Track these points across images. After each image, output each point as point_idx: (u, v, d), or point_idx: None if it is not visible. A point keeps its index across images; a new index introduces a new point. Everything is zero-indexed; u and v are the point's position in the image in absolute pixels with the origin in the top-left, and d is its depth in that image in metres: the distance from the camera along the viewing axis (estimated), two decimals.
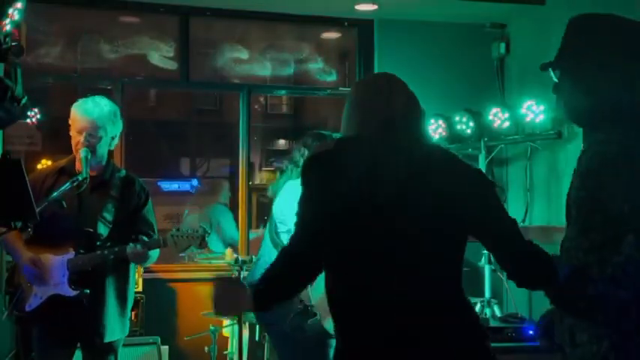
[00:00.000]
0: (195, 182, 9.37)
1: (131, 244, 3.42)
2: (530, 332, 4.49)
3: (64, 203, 3.28)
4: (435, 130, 5.79)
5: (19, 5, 2.78)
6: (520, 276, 2.12)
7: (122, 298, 3.56)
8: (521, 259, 2.11)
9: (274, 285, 2.18)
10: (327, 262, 2.14)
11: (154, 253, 3.55)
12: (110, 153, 3.67)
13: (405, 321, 2.04)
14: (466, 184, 2.11)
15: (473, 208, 2.09)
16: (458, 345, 2.07)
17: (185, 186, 9.23)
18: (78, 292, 3.42)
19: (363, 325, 2.08)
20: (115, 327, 3.52)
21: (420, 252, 2.06)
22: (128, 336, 3.73)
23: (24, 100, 2.68)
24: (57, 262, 3.44)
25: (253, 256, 4.52)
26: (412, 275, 2.06)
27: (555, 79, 2.20)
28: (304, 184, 2.13)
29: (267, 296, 2.23)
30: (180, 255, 5.33)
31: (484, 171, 5.55)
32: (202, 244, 3.49)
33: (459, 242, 2.14)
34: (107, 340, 3.48)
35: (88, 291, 3.43)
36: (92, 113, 3.49)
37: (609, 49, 2.09)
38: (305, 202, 2.12)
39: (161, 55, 5.97)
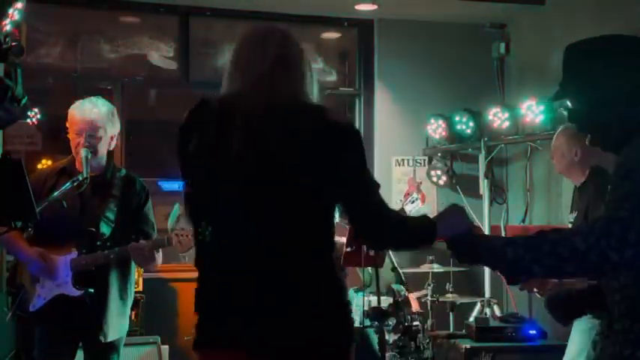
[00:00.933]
0: None
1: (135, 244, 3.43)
2: (531, 332, 4.49)
3: (64, 203, 3.29)
4: (435, 130, 5.80)
5: (19, 5, 2.79)
6: (364, 236, 2.15)
7: (124, 296, 3.57)
8: (366, 218, 2.07)
9: None
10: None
11: (158, 257, 3.55)
12: (110, 153, 3.67)
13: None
14: (321, 146, 2.01)
15: (324, 171, 2.01)
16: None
17: None
18: (82, 291, 3.43)
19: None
20: (118, 325, 3.53)
21: (263, 214, 2.02)
22: (128, 336, 3.73)
23: (24, 100, 2.69)
24: (60, 261, 3.44)
25: None
26: (254, 237, 2.02)
27: (569, 106, 2.17)
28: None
29: None
30: (180, 255, 5.32)
31: (484, 171, 5.57)
32: None
33: (310, 207, 2.05)
34: (111, 338, 3.49)
35: (92, 290, 3.44)
36: (91, 114, 3.49)
37: (611, 65, 2.08)
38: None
39: (161, 55, 5.97)
